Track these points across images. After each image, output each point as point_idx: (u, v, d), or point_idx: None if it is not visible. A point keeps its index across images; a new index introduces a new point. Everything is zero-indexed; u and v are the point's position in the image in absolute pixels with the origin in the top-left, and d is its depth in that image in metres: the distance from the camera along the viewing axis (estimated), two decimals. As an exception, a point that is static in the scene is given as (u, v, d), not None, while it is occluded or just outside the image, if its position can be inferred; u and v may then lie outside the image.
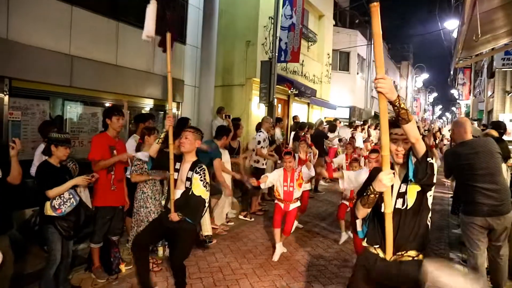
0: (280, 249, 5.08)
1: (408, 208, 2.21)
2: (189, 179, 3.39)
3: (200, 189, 3.33)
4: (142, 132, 4.77)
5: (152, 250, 4.88)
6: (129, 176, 4.57)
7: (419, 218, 2.21)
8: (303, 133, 8.79)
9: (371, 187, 2.10)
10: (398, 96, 1.89)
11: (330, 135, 10.91)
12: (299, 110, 14.45)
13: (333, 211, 7.34)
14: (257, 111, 11.06)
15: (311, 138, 8.33)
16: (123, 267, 4.44)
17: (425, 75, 43.92)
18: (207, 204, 3.41)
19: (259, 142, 7.22)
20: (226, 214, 6.56)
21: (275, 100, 10.31)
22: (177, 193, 3.47)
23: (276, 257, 4.99)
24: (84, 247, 4.72)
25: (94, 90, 6.43)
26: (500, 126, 5.60)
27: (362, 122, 15.27)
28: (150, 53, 7.54)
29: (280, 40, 10.07)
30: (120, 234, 4.61)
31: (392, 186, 2.13)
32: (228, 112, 8.44)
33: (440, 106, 74.97)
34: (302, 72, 14.00)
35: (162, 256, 4.91)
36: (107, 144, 4.10)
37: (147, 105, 7.94)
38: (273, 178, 5.07)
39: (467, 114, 25.44)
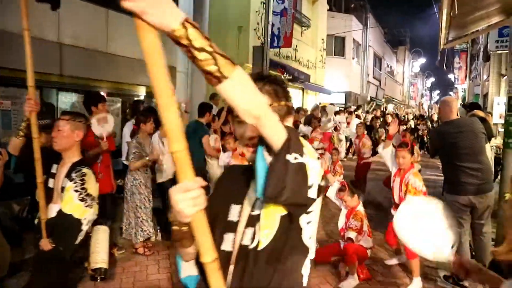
0: None
1: (260, 248, 1.20)
2: (63, 189, 2.40)
3: (72, 205, 2.32)
4: (138, 119, 4.76)
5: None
6: (126, 163, 4.58)
7: (281, 268, 1.20)
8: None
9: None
10: (187, 21, 0.87)
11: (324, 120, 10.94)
12: (293, 95, 14.41)
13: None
14: (251, 97, 11.07)
15: (304, 122, 8.37)
16: (115, 252, 4.51)
17: (422, 60, 43.75)
18: (84, 227, 2.36)
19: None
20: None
21: (268, 86, 10.28)
22: (52, 210, 2.43)
23: None
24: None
25: (85, 79, 6.43)
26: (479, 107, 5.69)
27: (355, 107, 15.27)
28: (141, 40, 7.50)
29: (273, 25, 10.02)
30: (113, 219, 4.67)
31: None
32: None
33: (438, 91, 74.85)
34: (295, 58, 13.97)
35: (154, 240, 4.99)
36: (91, 135, 4.04)
37: (140, 93, 7.95)
38: None
39: (463, 99, 25.46)
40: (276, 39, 9.97)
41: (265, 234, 1.19)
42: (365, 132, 8.02)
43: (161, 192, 5.17)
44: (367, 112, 16.83)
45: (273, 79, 1.31)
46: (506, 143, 4.35)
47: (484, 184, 3.73)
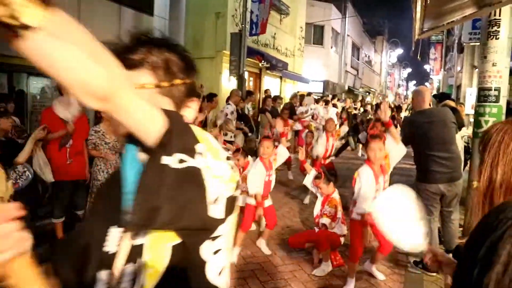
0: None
1: None
2: None
3: None
4: None
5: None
6: None
7: None
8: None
9: None
10: None
11: (302, 108, 11.00)
12: (271, 84, 14.42)
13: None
14: (228, 84, 10.97)
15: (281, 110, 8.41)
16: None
17: (399, 51, 44.42)
18: None
19: (226, 115, 7.21)
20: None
21: (246, 73, 10.23)
22: None
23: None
24: (47, 223, 4.67)
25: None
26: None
27: (331, 96, 15.38)
28: (116, 24, 7.30)
29: (251, 12, 9.91)
30: (84, 208, 4.57)
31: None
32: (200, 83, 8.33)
33: (415, 82, 76.29)
34: (274, 45, 13.90)
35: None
36: (56, 118, 3.96)
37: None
38: (260, 178, 4.21)
39: (437, 89, 26.03)
40: (255, 26, 9.88)
41: (150, 274, 0.76)
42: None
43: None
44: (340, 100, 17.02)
45: (163, 42, 0.89)
46: (475, 133, 4.49)
47: (453, 173, 3.83)
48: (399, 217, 2.03)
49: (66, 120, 3.97)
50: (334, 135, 6.63)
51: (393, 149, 3.59)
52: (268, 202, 4.38)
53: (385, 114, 3.56)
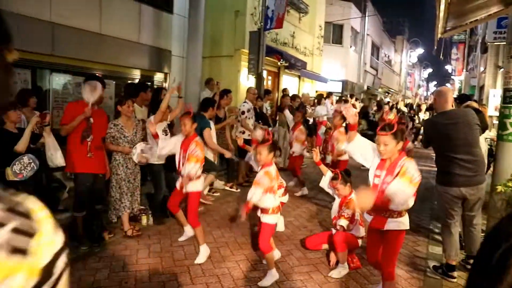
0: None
1: None
2: None
3: None
4: (117, 102, 4.74)
5: (136, 218, 4.94)
6: None
7: None
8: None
9: None
10: None
11: (319, 108, 10.94)
12: (289, 83, 14.34)
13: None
14: (246, 82, 10.95)
15: (294, 109, 8.36)
16: (106, 235, 4.50)
17: (420, 50, 43.56)
18: None
19: (243, 113, 7.20)
20: (212, 183, 6.57)
21: (264, 72, 10.20)
22: None
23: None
24: (68, 216, 4.75)
25: (77, 59, 6.32)
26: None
27: (348, 96, 15.17)
28: (136, 22, 7.38)
29: (268, 8, 9.82)
30: (103, 203, 4.64)
31: None
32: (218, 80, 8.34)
33: (435, 82, 74.80)
34: (292, 44, 13.81)
35: (145, 224, 4.98)
36: (81, 111, 4.04)
37: (134, 75, 7.83)
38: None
39: (459, 90, 25.47)
40: (270, 21, 9.75)
41: None
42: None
43: (153, 175, 5.14)
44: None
45: None
46: (500, 135, 4.35)
47: (476, 176, 3.72)
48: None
49: (87, 102, 4.07)
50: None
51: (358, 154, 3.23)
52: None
53: (350, 115, 3.11)
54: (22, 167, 3.46)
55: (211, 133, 5.63)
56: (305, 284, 3.70)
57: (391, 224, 2.95)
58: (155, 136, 4.22)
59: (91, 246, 4.24)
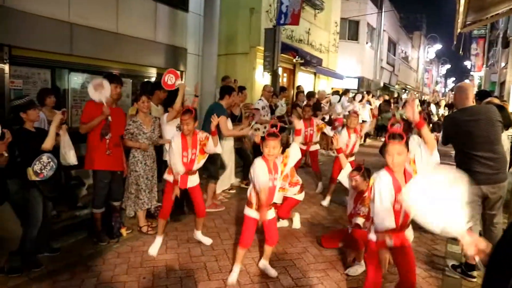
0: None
1: None
2: None
3: None
4: (134, 99, 4.78)
5: (153, 215, 4.99)
6: None
7: None
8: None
9: None
10: None
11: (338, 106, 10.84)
12: (305, 80, 14.28)
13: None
14: (262, 80, 10.95)
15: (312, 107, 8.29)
16: (124, 231, 4.56)
17: (438, 46, 42.79)
18: None
19: (258, 110, 7.19)
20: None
21: (280, 69, 10.16)
22: None
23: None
24: (87, 213, 4.84)
25: (95, 59, 6.41)
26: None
27: (365, 92, 15.00)
28: (152, 21, 7.45)
29: (282, 3, 9.77)
30: (121, 200, 4.70)
31: None
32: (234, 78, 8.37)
33: (453, 78, 73.38)
34: (308, 41, 13.74)
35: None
36: (99, 109, 4.09)
37: (150, 74, 7.91)
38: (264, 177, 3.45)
39: (479, 86, 24.94)
40: (284, 17, 9.67)
41: None
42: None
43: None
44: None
45: None
46: (523, 133, 4.24)
47: (497, 174, 3.63)
48: (437, 195, 1.80)
49: (99, 103, 4.08)
50: (358, 132, 6.06)
51: (420, 156, 2.83)
52: (271, 214, 3.67)
53: (413, 112, 2.83)
54: (42, 167, 3.52)
55: (227, 121, 5.58)
56: (322, 281, 3.68)
57: (409, 233, 2.92)
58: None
59: (109, 242, 4.32)
